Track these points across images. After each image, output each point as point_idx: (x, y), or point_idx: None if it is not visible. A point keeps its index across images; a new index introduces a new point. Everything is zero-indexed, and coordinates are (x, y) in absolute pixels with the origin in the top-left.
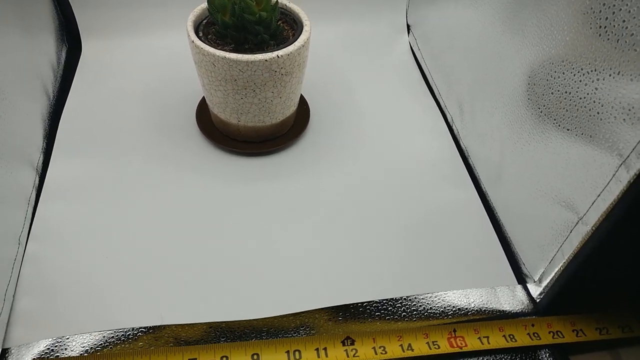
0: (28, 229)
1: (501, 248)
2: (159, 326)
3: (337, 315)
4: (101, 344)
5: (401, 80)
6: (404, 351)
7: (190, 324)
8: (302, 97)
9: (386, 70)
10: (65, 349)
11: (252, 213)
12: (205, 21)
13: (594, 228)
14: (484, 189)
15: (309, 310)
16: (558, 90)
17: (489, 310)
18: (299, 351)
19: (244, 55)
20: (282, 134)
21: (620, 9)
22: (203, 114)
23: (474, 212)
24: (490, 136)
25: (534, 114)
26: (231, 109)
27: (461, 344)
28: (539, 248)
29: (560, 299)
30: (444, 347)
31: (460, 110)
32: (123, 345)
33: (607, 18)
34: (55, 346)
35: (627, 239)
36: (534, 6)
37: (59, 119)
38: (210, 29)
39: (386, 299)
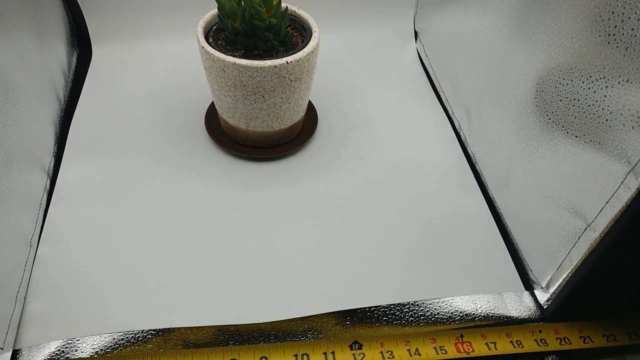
0: (39, 232)
1: (508, 254)
2: (168, 329)
3: (345, 320)
4: (111, 345)
5: (408, 87)
6: (411, 356)
7: (199, 326)
8: (310, 103)
9: (393, 76)
10: (76, 351)
11: (260, 217)
12: (215, 27)
13: (602, 235)
14: (491, 195)
15: (317, 315)
16: (566, 98)
17: (496, 316)
18: (307, 355)
19: (254, 61)
20: (290, 139)
21: (630, 17)
22: (212, 119)
23: (481, 218)
24: (498, 142)
25: (542, 121)
26: (240, 114)
27: (468, 349)
28: (547, 254)
29: (568, 306)
30: (451, 353)
31: (468, 117)
32: (133, 347)
33: (616, 26)
34: (66, 348)
35: (635, 245)
36: (542, 13)
37: (70, 123)
38: (220, 35)
39: (394, 304)
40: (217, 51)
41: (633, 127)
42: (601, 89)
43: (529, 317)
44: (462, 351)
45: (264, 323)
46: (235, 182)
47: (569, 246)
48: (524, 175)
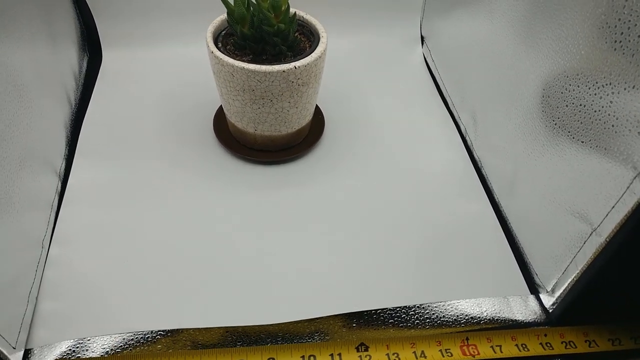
0: (51, 233)
1: (514, 258)
2: (177, 329)
3: (352, 322)
4: (121, 345)
5: (415, 91)
6: (417, 358)
7: (207, 328)
8: (317, 107)
9: (400, 80)
10: (86, 350)
11: (268, 220)
12: (224, 32)
13: (607, 239)
14: (497, 200)
15: (323, 317)
16: (573, 103)
17: (502, 320)
18: (313, 356)
19: (262, 66)
20: (298, 143)
21: (636, 24)
22: (220, 122)
23: (487, 222)
24: (504, 147)
25: (548, 126)
26: (248, 118)
27: (474, 352)
28: (552, 259)
29: (573, 310)
30: (457, 355)
31: (474, 122)
32: (142, 348)
33: (622, 33)
34: (77, 347)
35: None
36: (549, 19)
37: (81, 125)
38: (229, 40)
39: (400, 307)
40: (226, 56)
41: (639, 132)
42: (607, 95)
43: (534, 320)
44: (468, 354)
45: (271, 325)
46: (243, 185)
47: (574, 250)
48: (530, 180)
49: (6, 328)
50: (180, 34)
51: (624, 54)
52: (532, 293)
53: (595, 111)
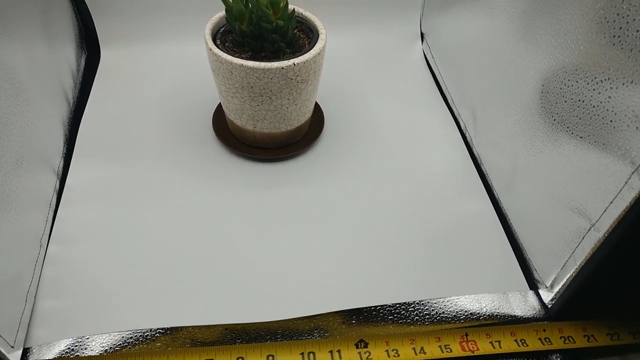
0: (49, 232)
1: (513, 254)
2: (176, 327)
3: (351, 319)
4: (120, 344)
5: (414, 88)
6: (416, 354)
7: (206, 325)
8: (316, 104)
9: (400, 77)
10: (85, 349)
11: (267, 218)
12: (222, 29)
13: (606, 235)
14: (496, 196)
15: (323, 314)
16: (571, 99)
17: (501, 315)
18: (313, 353)
19: (261, 63)
20: (297, 140)
21: (635, 19)
22: (219, 120)
23: (486, 218)
24: (503, 144)
25: (547, 122)
26: (247, 115)
27: (473, 347)
28: (551, 254)
29: (572, 305)
30: (456, 351)
31: (474, 118)
32: (141, 346)
33: (621, 27)
34: (76, 346)
35: (638, 245)
36: (548, 15)
37: (79, 124)
38: (228, 37)
39: (399, 303)
40: (224, 53)
41: (637, 127)
42: (606, 90)
43: (533, 316)
44: (467, 350)
45: (271, 322)
46: (242, 183)
47: (573, 246)
48: (529, 176)
49: (4, 327)
50: (178, 31)
51: (622, 49)
52: (531, 289)
53: (593, 106)
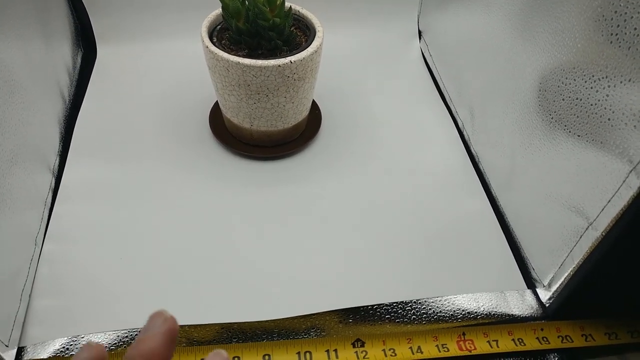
0: (44, 230)
1: (511, 253)
2: None
3: (348, 318)
4: (115, 343)
5: (412, 86)
6: (413, 354)
7: (202, 324)
8: (313, 102)
9: (397, 75)
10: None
11: (263, 216)
12: (219, 27)
13: (604, 233)
14: (494, 195)
15: (319, 313)
16: (569, 97)
17: (498, 314)
18: (309, 352)
19: (257, 61)
20: (294, 138)
21: (632, 17)
22: (216, 118)
23: (484, 217)
24: (501, 142)
25: (544, 120)
26: (244, 113)
27: (470, 347)
28: (549, 253)
29: (570, 304)
30: (453, 350)
31: (471, 116)
32: None
33: (618, 25)
34: (70, 345)
35: (636, 244)
36: (545, 13)
37: (75, 122)
38: (224, 35)
39: (396, 302)
40: (221, 51)
41: (635, 126)
42: (603, 89)
43: (531, 315)
44: (464, 349)
45: (267, 321)
46: (239, 181)
47: (571, 245)
48: (527, 175)
49: None
50: (175, 29)
51: (620, 47)
52: (528, 287)
53: (591, 105)
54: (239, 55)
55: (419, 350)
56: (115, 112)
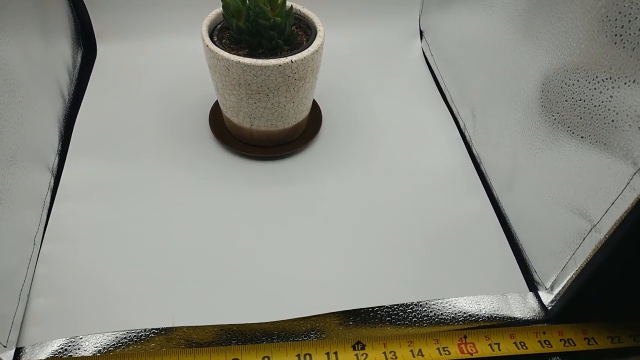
0: (43, 230)
1: (513, 255)
2: (170, 328)
3: (348, 320)
4: (114, 344)
5: (413, 86)
6: (414, 356)
7: (201, 326)
8: (314, 102)
9: (398, 75)
10: (79, 349)
11: (263, 217)
12: (219, 26)
13: (607, 236)
14: (496, 196)
15: (319, 315)
16: (572, 98)
17: (500, 317)
18: (309, 355)
19: (258, 60)
20: (295, 138)
21: (637, 18)
22: (216, 117)
23: (485, 219)
24: (503, 143)
25: (547, 121)
26: (244, 113)
27: (471, 350)
28: (551, 255)
29: (572, 307)
30: (455, 353)
31: (473, 117)
32: (135, 346)
33: (622, 26)
34: (69, 346)
35: None
36: (549, 13)
37: (74, 121)
38: (225, 34)
39: (397, 305)
40: (221, 50)
41: (639, 127)
42: (607, 90)
43: (532, 318)
44: (466, 352)
45: (266, 323)
46: (239, 181)
47: (573, 247)
48: (529, 176)
49: None
50: (175, 27)
51: (624, 47)
52: (530, 290)
53: (595, 106)
54: (239, 55)
55: (420, 353)
56: (115, 111)
